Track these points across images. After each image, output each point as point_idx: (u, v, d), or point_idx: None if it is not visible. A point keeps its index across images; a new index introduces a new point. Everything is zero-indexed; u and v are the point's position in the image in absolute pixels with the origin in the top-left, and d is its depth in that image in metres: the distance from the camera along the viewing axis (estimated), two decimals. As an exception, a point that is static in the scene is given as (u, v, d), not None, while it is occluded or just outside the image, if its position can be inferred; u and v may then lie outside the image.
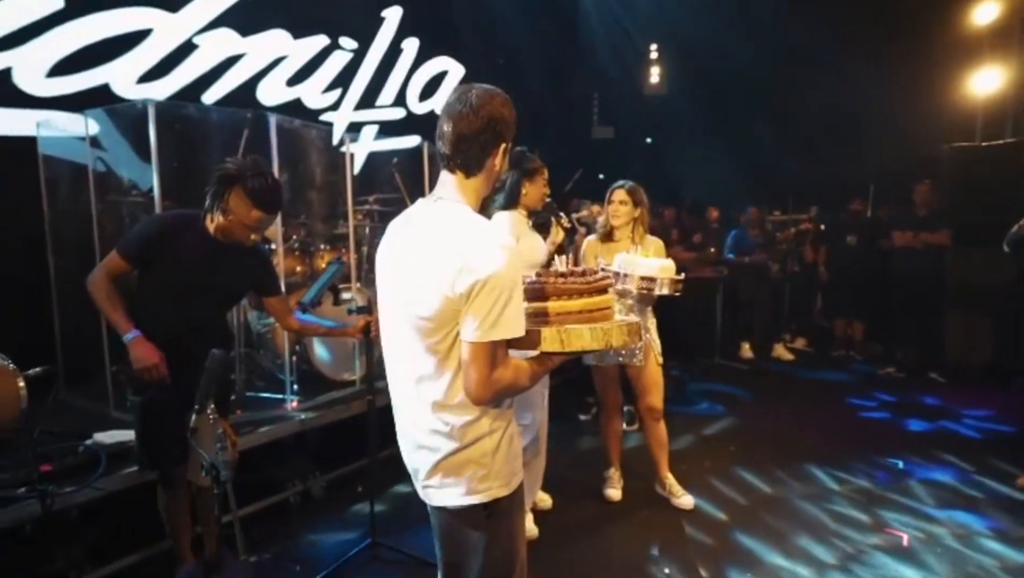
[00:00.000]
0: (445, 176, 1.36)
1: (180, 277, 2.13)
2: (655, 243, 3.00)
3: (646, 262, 2.53)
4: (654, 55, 8.31)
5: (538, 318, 1.41)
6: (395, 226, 1.41)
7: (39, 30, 3.59)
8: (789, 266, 6.49)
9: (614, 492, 3.20)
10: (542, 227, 2.84)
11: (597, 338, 1.34)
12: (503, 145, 1.35)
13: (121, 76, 4.00)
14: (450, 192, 1.35)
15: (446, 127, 1.32)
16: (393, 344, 1.38)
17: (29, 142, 3.44)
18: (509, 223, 2.56)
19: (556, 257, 1.54)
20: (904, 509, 3.08)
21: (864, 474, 3.48)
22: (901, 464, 3.62)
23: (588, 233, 3.28)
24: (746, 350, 6.24)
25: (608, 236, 3.03)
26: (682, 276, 2.53)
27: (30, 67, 3.58)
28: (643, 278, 2.46)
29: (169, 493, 2.26)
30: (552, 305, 1.39)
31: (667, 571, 2.58)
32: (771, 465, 3.59)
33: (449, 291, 1.23)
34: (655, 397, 3.07)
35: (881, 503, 3.14)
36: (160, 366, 2.07)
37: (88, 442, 2.62)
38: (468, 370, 1.25)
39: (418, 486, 1.41)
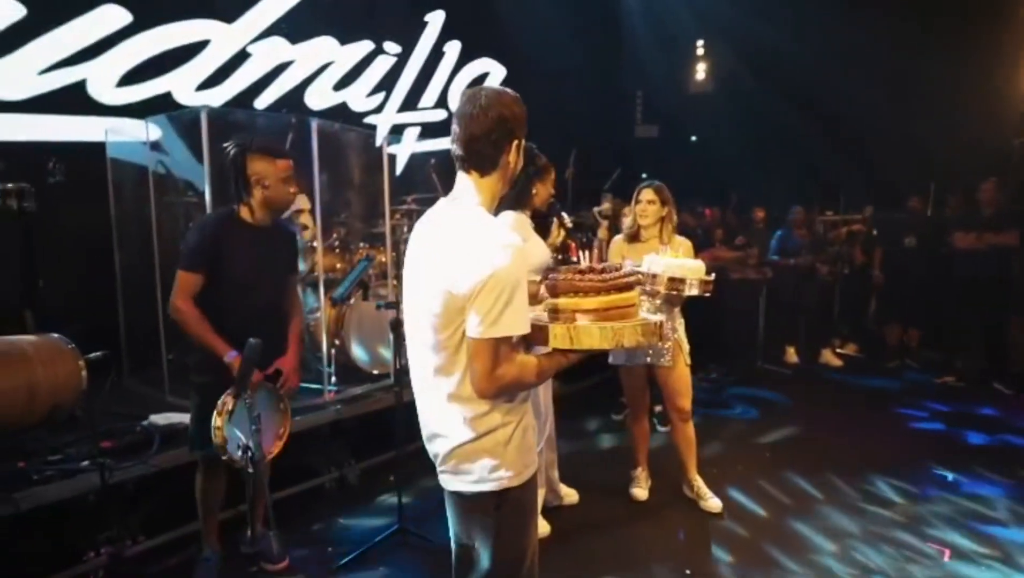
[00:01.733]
0: (461, 177, 1.41)
1: (238, 272, 2.23)
2: (684, 243, 2.98)
3: (675, 262, 2.50)
4: (700, 51, 8.13)
5: (553, 314, 1.43)
6: (418, 226, 1.48)
7: (110, 43, 3.91)
8: (840, 268, 6.22)
9: (640, 492, 3.19)
10: (542, 228, 2.83)
11: (607, 337, 1.34)
12: (515, 142, 1.38)
13: (182, 84, 4.29)
14: (465, 193, 1.40)
15: (458, 129, 1.37)
16: (413, 337, 1.45)
17: (99, 147, 3.75)
18: (512, 225, 2.52)
19: (581, 253, 1.55)
20: (950, 524, 2.92)
21: (910, 486, 3.32)
22: (951, 477, 3.44)
23: (610, 226, 3.27)
24: (791, 354, 6.03)
25: (635, 236, 3.01)
26: (712, 277, 2.49)
27: (102, 78, 3.90)
28: (672, 279, 2.43)
29: (208, 476, 2.38)
30: (566, 301, 1.40)
31: (688, 572, 2.56)
32: (808, 473, 3.48)
33: (454, 289, 1.28)
34: (683, 398, 3.04)
35: (925, 517, 3.00)
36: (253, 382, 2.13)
37: (144, 423, 2.84)
38: (472, 366, 1.31)
39: (437, 470, 1.48)
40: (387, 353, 3.73)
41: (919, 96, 6.47)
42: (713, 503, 3.04)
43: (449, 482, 1.44)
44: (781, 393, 5.08)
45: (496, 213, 1.49)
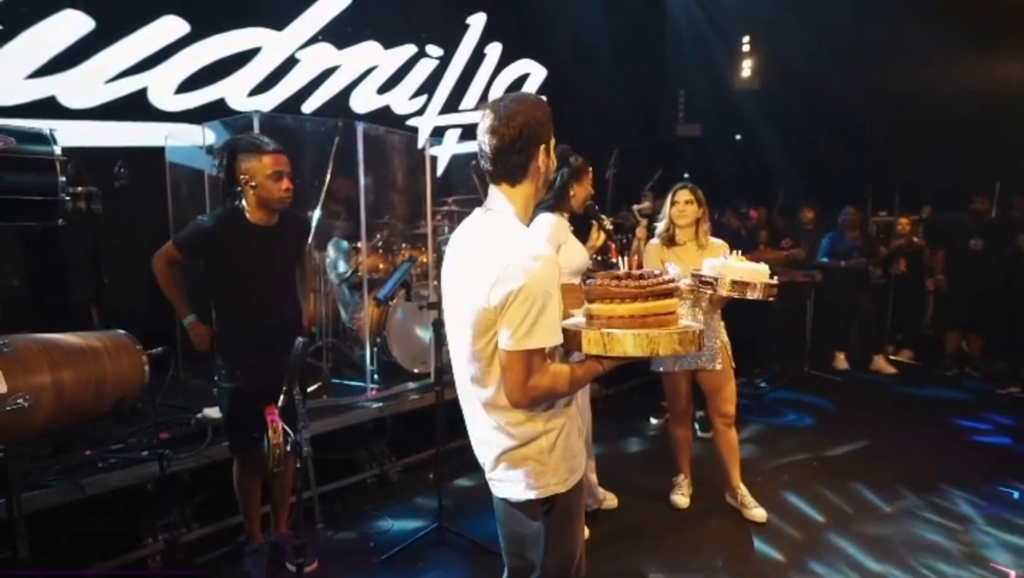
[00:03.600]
0: (492, 189, 1.41)
1: (242, 271, 2.28)
2: (722, 245, 2.91)
3: (739, 266, 2.44)
4: (746, 48, 7.91)
5: (588, 320, 1.42)
6: (453, 237, 1.49)
7: (169, 53, 4.10)
8: (894, 271, 5.94)
9: (682, 499, 3.13)
10: (581, 229, 2.79)
11: (640, 344, 1.31)
12: (542, 145, 1.37)
13: (235, 91, 4.47)
14: (499, 203, 1.39)
15: (484, 144, 1.36)
16: (453, 346, 1.47)
17: (159, 152, 3.94)
18: (550, 229, 2.51)
19: (620, 258, 1.53)
20: (1014, 544, 2.76)
21: (968, 502, 3.15)
22: (1017, 494, 3.24)
23: (649, 225, 3.21)
24: (840, 360, 5.81)
25: (671, 240, 2.94)
26: (776, 281, 2.42)
27: (161, 86, 4.09)
28: (735, 282, 2.38)
29: (244, 474, 2.46)
30: (601, 308, 1.38)
31: (730, 583, 2.50)
32: (857, 484, 3.34)
33: (485, 302, 1.29)
34: (729, 403, 2.98)
35: (985, 535, 2.84)
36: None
37: (198, 416, 2.97)
38: (505, 377, 1.32)
39: (486, 476, 1.50)
40: (428, 352, 3.79)
41: (984, 93, 6.11)
42: (758, 513, 2.96)
43: (497, 488, 1.46)
44: (829, 400, 4.89)
45: (533, 215, 1.48)
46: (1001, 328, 5.31)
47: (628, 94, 7.52)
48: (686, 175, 8.49)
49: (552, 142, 1.41)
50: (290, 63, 4.78)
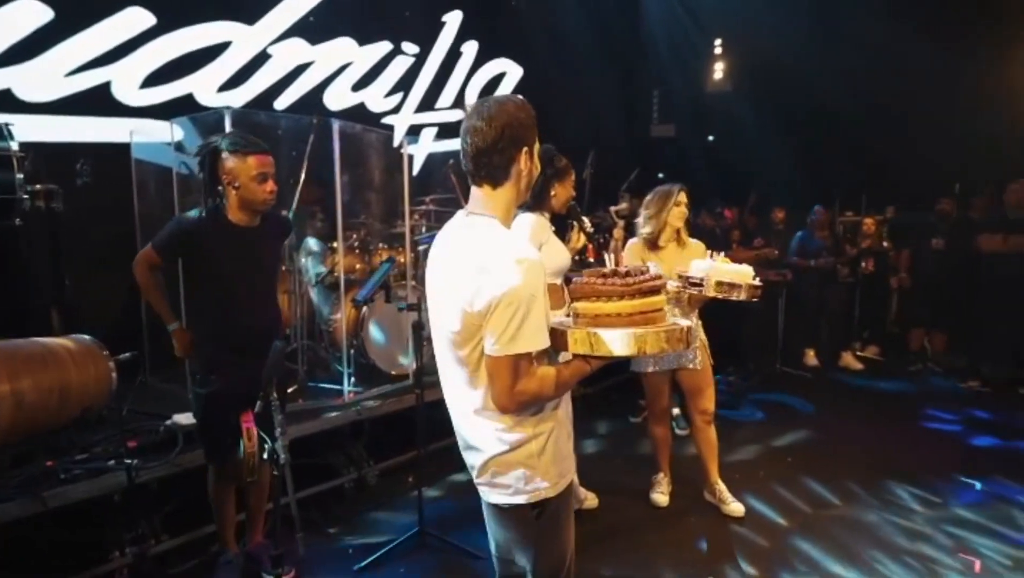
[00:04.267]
0: (474, 191, 1.39)
1: (221, 273, 2.21)
2: (699, 246, 2.95)
3: (724, 267, 2.46)
4: (718, 51, 8.03)
5: (575, 318, 1.40)
6: (437, 239, 1.46)
7: (134, 45, 3.95)
8: (862, 271, 6.12)
9: (662, 497, 3.16)
10: (560, 231, 2.79)
11: (628, 343, 1.29)
12: (524, 148, 1.35)
13: (203, 86, 4.33)
14: (480, 206, 1.38)
15: (466, 144, 1.35)
16: (439, 351, 1.44)
17: (123, 148, 3.79)
18: (531, 228, 2.50)
19: (607, 256, 1.51)
20: (978, 532, 2.86)
21: (933, 493, 3.26)
22: (979, 485, 3.37)
23: (627, 226, 3.23)
24: (811, 357, 5.95)
25: (655, 242, 2.95)
26: (760, 282, 2.45)
27: (126, 79, 3.94)
28: (721, 283, 2.40)
29: (219, 482, 2.39)
30: (588, 306, 1.36)
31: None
32: (831, 479, 3.43)
33: (469, 307, 1.27)
34: (708, 401, 3.02)
35: (950, 525, 2.94)
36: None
37: (168, 422, 2.87)
38: (491, 383, 1.30)
39: (475, 481, 1.47)
40: (406, 354, 3.74)
41: (945, 96, 6.33)
42: (735, 507, 3.01)
43: (486, 494, 1.44)
44: (802, 397, 5.01)
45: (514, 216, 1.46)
46: (962, 325, 5.52)
47: (603, 94, 7.57)
48: (660, 175, 8.58)
49: (536, 146, 1.39)
50: (262, 58, 4.66)
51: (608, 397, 4.77)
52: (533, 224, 2.52)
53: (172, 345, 2.32)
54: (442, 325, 1.38)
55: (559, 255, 2.62)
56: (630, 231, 3.85)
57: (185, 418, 2.94)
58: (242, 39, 4.52)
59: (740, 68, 7.90)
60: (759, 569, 2.60)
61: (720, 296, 2.40)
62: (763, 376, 5.53)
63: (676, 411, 4.26)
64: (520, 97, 1.38)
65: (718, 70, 8.01)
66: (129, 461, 2.34)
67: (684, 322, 1.37)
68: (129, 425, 2.74)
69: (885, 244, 6.08)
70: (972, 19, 6.15)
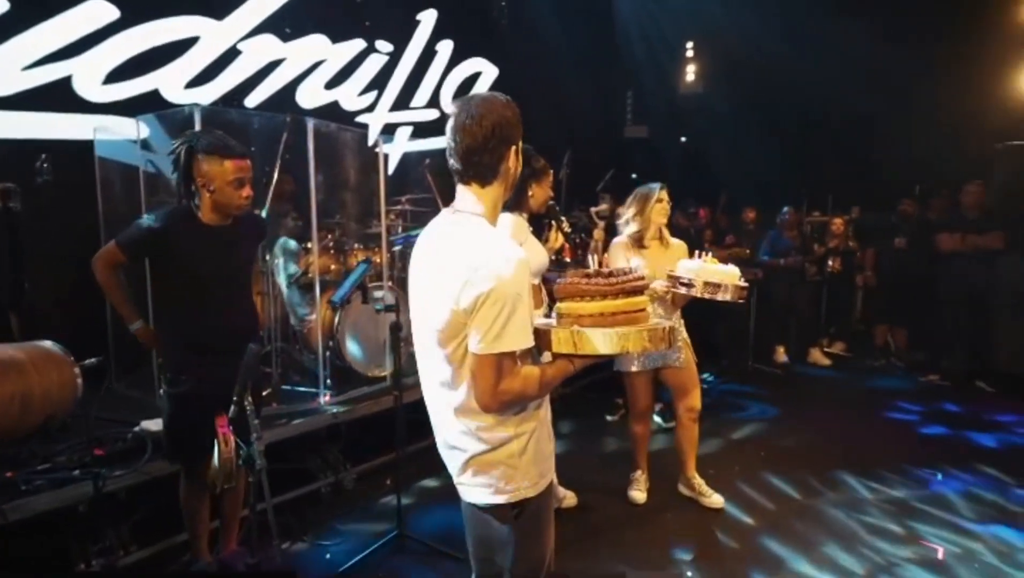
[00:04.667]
0: (461, 189, 1.38)
1: (195, 273, 2.15)
2: (681, 245, 2.99)
3: (711, 268, 2.47)
4: (690, 53, 8.17)
5: (558, 318, 1.41)
6: (421, 237, 1.45)
7: (97, 39, 3.81)
8: (830, 269, 6.30)
9: (639, 494, 3.20)
10: (538, 231, 2.80)
11: (611, 342, 1.30)
12: (512, 147, 1.35)
13: (170, 82, 4.20)
14: (467, 204, 1.37)
15: (454, 143, 1.33)
16: (420, 349, 1.43)
17: (86, 145, 3.66)
18: (510, 228, 2.50)
19: (590, 257, 1.51)
20: (940, 522, 2.98)
21: (900, 484, 3.38)
22: (940, 476, 3.50)
23: (607, 226, 3.26)
24: (780, 354, 6.10)
25: (639, 240, 2.97)
26: (746, 283, 2.47)
27: (88, 75, 3.79)
28: (708, 284, 2.41)
29: (192, 490, 2.32)
30: (571, 306, 1.37)
31: (689, 575, 2.57)
32: (802, 472, 3.52)
33: (455, 305, 1.26)
34: (695, 397, 3.07)
35: (916, 515, 3.05)
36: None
37: (136, 429, 2.78)
38: (475, 381, 1.29)
39: (454, 481, 1.47)
40: (383, 355, 3.70)
41: (907, 99, 6.57)
42: (715, 499, 3.08)
43: (466, 493, 1.43)
44: (773, 392, 5.14)
45: None
46: (923, 322, 5.73)
47: (578, 95, 7.62)
48: (634, 176, 8.68)
49: (520, 144, 1.39)
50: (231, 54, 4.54)
51: (585, 396, 4.80)
52: (512, 224, 2.52)
53: (139, 349, 2.26)
54: (426, 322, 1.37)
55: (537, 255, 2.62)
56: (610, 231, 3.86)
57: (154, 425, 2.85)
58: (211, 34, 4.40)
59: (712, 70, 8.06)
60: (734, 564, 2.65)
61: (707, 296, 2.42)
62: (736, 373, 5.65)
63: (659, 406, 4.32)
64: (505, 95, 1.37)
65: (690, 72, 8.15)
66: (96, 470, 2.26)
67: (666, 322, 1.39)
68: (95, 433, 2.64)
69: (851, 244, 6.27)
70: (933, 25, 6.39)
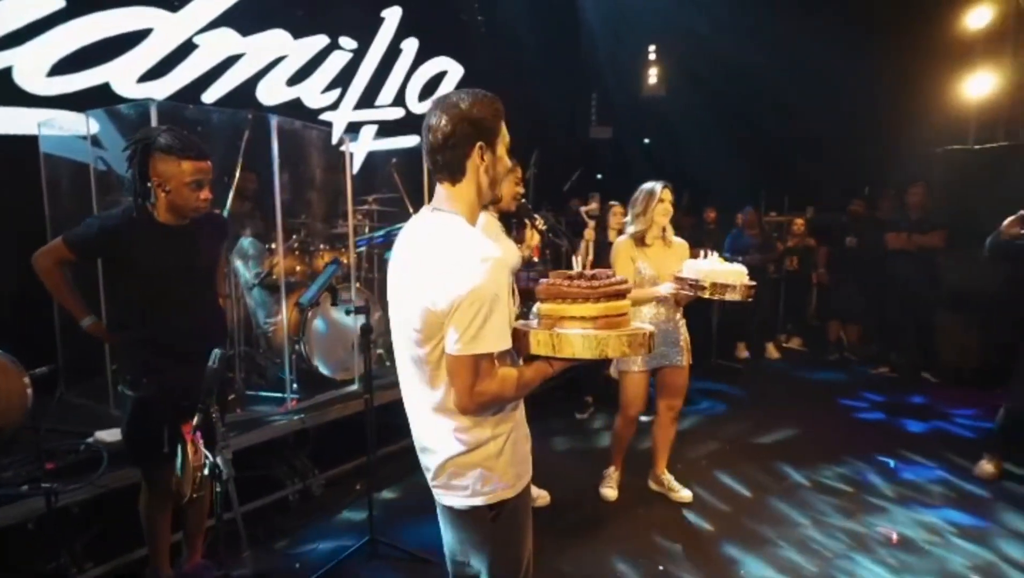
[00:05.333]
0: (438, 187, 1.38)
1: (153, 274, 2.07)
2: (684, 245, 2.99)
3: (719, 268, 2.46)
4: (652, 56, 8.34)
5: (540, 321, 1.40)
6: (401, 236, 1.43)
7: (40, 29, 3.61)
8: (788, 267, 6.53)
9: (611, 491, 3.23)
10: (508, 227, 2.78)
11: (590, 346, 1.29)
12: (479, 144, 1.33)
13: (121, 75, 4.02)
14: (443, 202, 1.36)
15: (426, 140, 1.35)
16: (398, 350, 1.42)
17: (30, 141, 3.45)
18: (483, 225, 2.52)
19: (574, 258, 1.48)
20: (895, 507, 3.12)
21: (857, 473, 3.54)
22: (893, 463, 3.68)
23: (598, 226, 3.26)
24: (742, 350, 6.30)
25: (642, 239, 2.92)
26: (754, 282, 2.47)
27: (31, 66, 3.59)
28: (716, 284, 2.40)
29: (154, 501, 2.22)
30: (552, 308, 1.36)
31: (661, 568, 2.62)
32: (765, 464, 3.64)
33: (432, 305, 1.25)
34: (681, 397, 3.10)
35: (873, 501, 3.19)
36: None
37: (89, 440, 2.64)
38: (452, 382, 1.28)
39: (430, 484, 1.45)
40: (351, 358, 3.63)
41: (858, 103, 6.87)
42: (685, 494, 3.14)
43: (442, 496, 1.42)
44: (736, 387, 5.29)
45: None
46: (873, 317, 6.01)
47: (543, 95, 7.66)
48: (599, 176, 8.79)
49: (498, 142, 1.37)
50: (187, 48, 4.38)
51: (553, 394, 4.83)
52: (483, 222, 2.51)
53: (90, 356, 2.15)
54: (403, 323, 1.35)
55: (509, 254, 2.61)
56: (600, 231, 3.85)
57: (109, 435, 2.73)
58: (165, 27, 4.23)
59: (673, 74, 8.24)
60: (703, 555, 2.71)
61: (716, 297, 2.41)
62: (700, 369, 5.77)
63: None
64: (486, 92, 1.36)
65: (652, 75, 8.31)
66: (48, 485, 2.13)
67: (647, 327, 1.38)
68: (46, 445, 2.49)
69: (811, 241, 6.51)
70: (881, 36, 6.70)
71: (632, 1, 7.78)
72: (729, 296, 2.39)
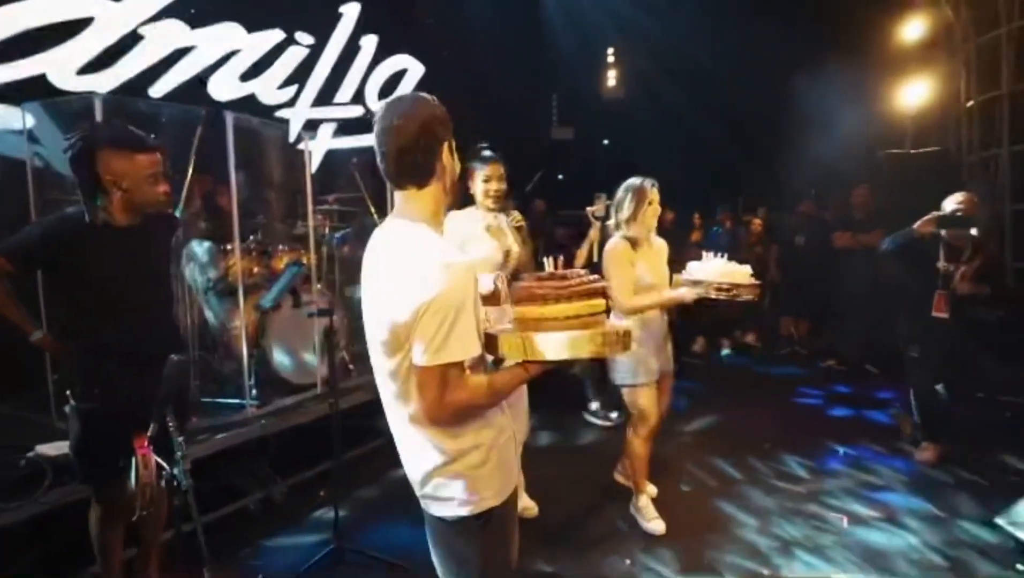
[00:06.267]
0: (398, 195, 1.35)
1: (105, 280, 1.97)
2: (664, 245, 2.93)
3: (726, 269, 2.40)
4: (611, 59, 8.47)
5: (514, 324, 1.37)
6: (370, 245, 1.40)
7: (-34, 15, 3.36)
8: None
9: (659, 523, 2.85)
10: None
11: (562, 347, 1.26)
12: (445, 144, 1.32)
13: (59, 66, 3.77)
14: (405, 209, 1.34)
15: (384, 147, 1.29)
16: (374, 361, 1.38)
17: (-43, 135, 3.22)
18: (463, 220, 2.44)
19: (546, 259, 1.44)
20: (846, 494, 3.27)
21: (811, 460, 3.69)
22: (842, 450, 3.86)
23: (603, 228, 3.18)
24: (700, 344, 6.50)
25: (637, 242, 2.76)
26: (759, 282, 2.43)
27: (-43, 55, 3.34)
28: (734, 286, 2.33)
29: (104, 510, 2.11)
30: (525, 310, 1.33)
31: (627, 562, 2.67)
32: (726, 455, 3.75)
33: (395, 317, 1.23)
34: (668, 401, 3.03)
35: (826, 489, 3.33)
36: None
37: (31, 455, 2.49)
38: (420, 394, 1.25)
39: (417, 495, 1.42)
40: (312, 361, 3.54)
41: (807, 108, 7.17)
42: (649, 489, 3.08)
43: (429, 507, 1.40)
44: (694, 381, 5.43)
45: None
46: (822, 313, 6.29)
47: (505, 95, 7.67)
48: (560, 176, 8.86)
49: (452, 143, 1.36)
50: (132, 39, 4.15)
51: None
52: (464, 216, 2.49)
53: (27, 366, 2.03)
54: (374, 335, 1.33)
55: (484, 250, 2.54)
56: (605, 232, 3.79)
57: (52, 449, 2.57)
58: (107, 16, 4.00)
59: (631, 76, 8.40)
60: (676, 542, 2.78)
61: (724, 297, 2.35)
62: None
63: (595, 405, 4.41)
64: (429, 95, 1.34)
65: (611, 77, 8.44)
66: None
67: (622, 324, 1.36)
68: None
69: (763, 241, 6.77)
70: (828, 45, 7.01)
71: (592, 3, 7.89)
72: (744, 296, 2.34)
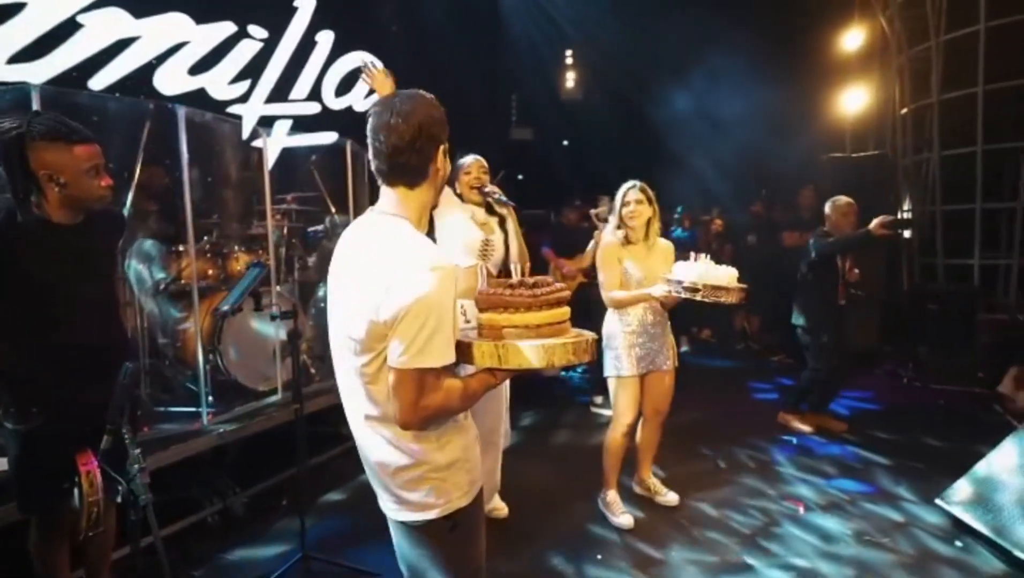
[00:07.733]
0: (386, 191, 1.32)
1: (48, 283, 1.82)
2: (668, 246, 2.93)
3: (712, 271, 2.41)
4: (569, 60, 8.57)
5: (481, 330, 1.38)
6: (343, 239, 1.36)
7: None
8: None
9: (627, 518, 2.92)
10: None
11: (537, 355, 1.28)
12: (441, 147, 1.31)
13: (-13, 55, 3.51)
14: (391, 206, 1.31)
15: (379, 143, 1.27)
16: (336, 359, 1.35)
17: None
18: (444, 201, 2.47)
19: (513, 266, 1.46)
20: (799, 482, 3.43)
21: (763, 451, 3.86)
22: (795, 440, 4.04)
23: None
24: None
25: (626, 239, 2.85)
26: (746, 285, 2.44)
27: None
28: (712, 287, 2.35)
29: (47, 534, 1.96)
30: (494, 317, 1.34)
31: (599, 557, 2.70)
32: (687, 448, 3.87)
33: (375, 316, 1.20)
34: (668, 402, 3.03)
35: (781, 478, 3.48)
36: None
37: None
38: (395, 396, 1.22)
39: (379, 500, 1.39)
40: (272, 366, 3.42)
41: (756, 113, 7.46)
42: (671, 497, 3.12)
43: (394, 512, 1.36)
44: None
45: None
46: (772, 309, 6.55)
47: (464, 94, 7.63)
48: (519, 176, 8.88)
49: (447, 145, 1.35)
50: (69, 27, 3.90)
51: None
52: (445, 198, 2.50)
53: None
54: (343, 332, 1.29)
55: (461, 235, 2.59)
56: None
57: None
58: (41, 2, 3.75)
59: (589, 78, 8.52)
60: (639, 538, 2.83)
61: (710, 300, 2.35)
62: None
63: (599, 398, 4.46)
64: (428, 94, 1.33)
65: (570, 79, 8.54)
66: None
67: (589, 333, 1.39)
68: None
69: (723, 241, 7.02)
70: (779, 55, 7.32)
71: (551, 5, 7.95)
72: (724, 299, 2.35)
